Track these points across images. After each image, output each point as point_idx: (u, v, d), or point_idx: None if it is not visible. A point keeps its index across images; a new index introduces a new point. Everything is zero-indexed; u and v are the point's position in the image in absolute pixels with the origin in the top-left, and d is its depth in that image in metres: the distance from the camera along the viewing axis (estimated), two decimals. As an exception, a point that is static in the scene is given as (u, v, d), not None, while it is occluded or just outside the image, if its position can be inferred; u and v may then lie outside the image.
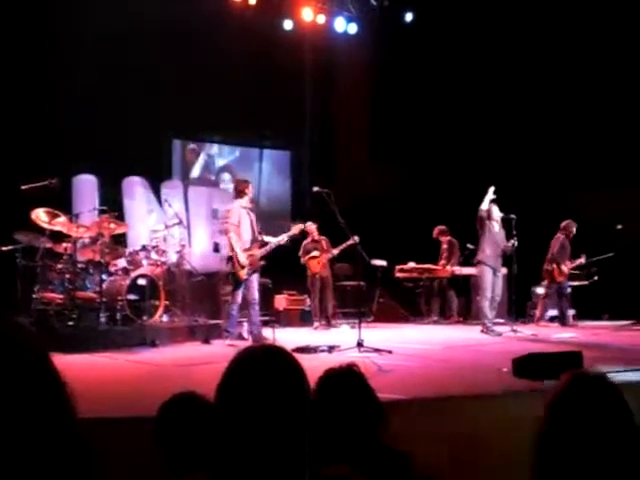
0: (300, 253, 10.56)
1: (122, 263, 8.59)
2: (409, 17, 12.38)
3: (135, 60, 10.42)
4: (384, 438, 2.19)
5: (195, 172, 13.03)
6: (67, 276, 7.88)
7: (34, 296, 7.66)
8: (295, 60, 12.91)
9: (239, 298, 7.97)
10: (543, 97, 12.34)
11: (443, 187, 12.41)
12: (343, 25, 12.40)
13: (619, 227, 10.80)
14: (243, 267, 7.88)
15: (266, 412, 1.36)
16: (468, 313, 11.41)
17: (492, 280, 9.19)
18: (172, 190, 11.36)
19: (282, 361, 1.44)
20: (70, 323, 7.59)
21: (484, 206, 9.13)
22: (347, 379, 2.19)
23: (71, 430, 1.00)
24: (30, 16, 9.86)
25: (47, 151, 9.61)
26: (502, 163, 11.88)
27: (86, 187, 10.24)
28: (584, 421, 1.44)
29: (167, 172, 12.18)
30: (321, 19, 12.16)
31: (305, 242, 10.46)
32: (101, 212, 8.43)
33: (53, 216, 8.00)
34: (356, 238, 8.40)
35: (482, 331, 9.02)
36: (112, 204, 8.96)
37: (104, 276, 8.05)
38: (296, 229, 8.74)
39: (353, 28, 12.47)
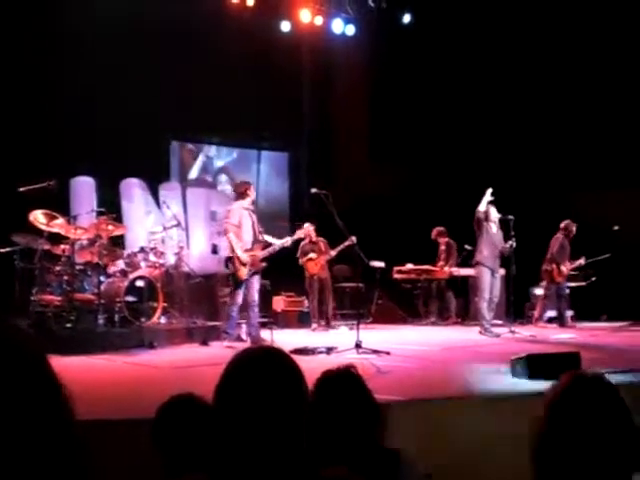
0: (298, 254, 10.56)
1: (120, 265, 8.58)
2: (407, 18, 12.39)
3: (134, 61, 10.42)
4: (382, 439, 2.19)
5: (193, 174, 13.02)
6: (65, 278, 7.87)
7: (32, 298, 7.64)
8: (293, 61, 12.91)
9: (240, 299, 7.93)
10: (542, 98, 12.36)
11: (442, 188, 12.42)
12: (341, 26, 12.40)
13: (616, 228, 10.82)
14: (244, 265, 7.85)
15: (264, 414, 1.36)
16: (466, 314, 11.41)
17: (490, 281, 9.19)
18: (170, 192, 11.35)
19: (280, 363, 1.44)
20: (68, 325, 7.58)
21: (482, 207, 9.13)
22: (345, 380, 2.19)
23: (69, 432, 0.99)
24: (30, 16, 9.86)
25: (45, 153, 9.60)
26: (501, 163, 11.90)
27: (84, 189, 10.24)
28: (583, 421, 1.45)
29: (165, 174, 12.16)
30: (319, 20, 12.16)
31: (303, 243, 10.45)
32: (99, 214, 8.41)
33: (51, 218, 8.00)
34: (353, 238, 8.39)
35: (480, 332, 9.02)
36: (110, 206, 8.95)
37: (102, 278, 8.04)
38: (300, 233, 8.76)
39: (351, 29, 12.47)
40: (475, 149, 12.54)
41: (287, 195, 13.93)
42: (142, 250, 8.82)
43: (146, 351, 7.32)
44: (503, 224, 9.32)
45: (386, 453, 2.12)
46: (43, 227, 7.94)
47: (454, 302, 11.59)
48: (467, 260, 10.68)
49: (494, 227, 9.29)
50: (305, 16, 11.93)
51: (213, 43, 11.38)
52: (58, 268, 7.92)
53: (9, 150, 9.47)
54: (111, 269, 8.45)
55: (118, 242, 9.11)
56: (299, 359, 1.48)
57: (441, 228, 11.53)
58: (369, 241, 8.94)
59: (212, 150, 13.34)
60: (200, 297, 9.96)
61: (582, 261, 10.74)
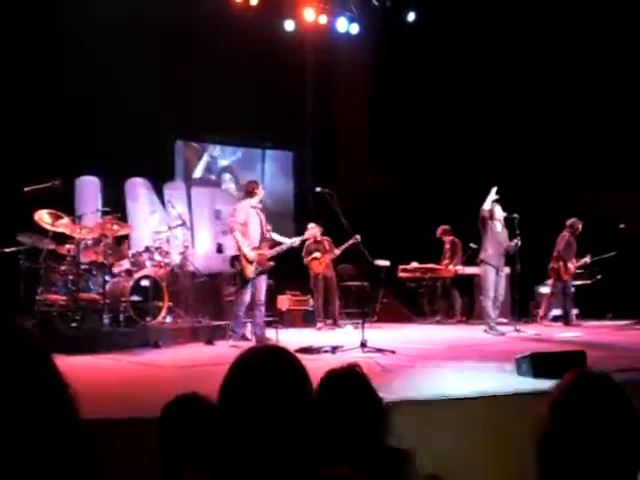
0: (303, 254, 10.56)
1: (125, 264, 8.61)
2: (411, 17, 12.36)
3: (137, 60, 10.41)
4: (386, 438, 2.19)
5: (197, 173, 13.04)
6: (70, 277, 7.88)
7: (37, 298, 7.66)
8: (297, 61, 12.90)
9: (247, 298, 7.93)
10: (544, 97, 12.33)
11: (445, 187, 12.40)
12: (345, 25, 12.39)
13: (622, 226, 10.78)
14: (250, 263, 7.84)
15: (269, 413, 1.36)
16: (471, 313, 11.40)
17: (495, 280, 9.19)
18: (175, 191, 11.37)
19: (285, 362, 1.44)
20: (73, 324, 7.59)
21: (486, 206, 9.13)
22: (349, 379, 2.19)
23: (74, 431, 1.00)
24: (30, 16, 9.87)
25: (50, 152, 9.62)
26: (503, 163, 11.87)
27: (89, 188, 10.26)
28: (588, 420, 1.44)
29: (170, 173, 12.19)
30: (323, 19, 12.16)
31: (307, 243, 10.45)
32: (104, 213, 8.43)
33: (56, 217, 8.01)
34: (358, 237, 8.40)
35: (485, 331, 9.01)
36: (115, 205, 8.97)
37: (107, 277, 8.05)
38: (308, 233, 8.76)
39: (355, 28, 12.45)
40: (478, 148, 12.51)
41: (292, 194, 13.93)
42: (147, 250, 8.85)
43: (151, 350, 7.34)
44: (508, 222, 9.31)
45: (391, 452, 2.12)
46: (48, 227, 7.96)
47: (459, 301, 11.58)
48: (472, 258, 10.67)
49: (499, 225, 9.28)
50: (309, 15, 11.92)
51: (216, 42, 11.39)
52: (63, 268, 7.93)
53: (14, 150, 9.50)
54: (116, 269, 8.48)
55: (123, 242, 9.11)
56: (304, 358, 1.48)
57: (446, 226, 11.52)
58: (373, 240, 8.94)
59: (216, 150, 13.34)
60: (205, 296, 9.97)
61: (588, 259, 10.71)
